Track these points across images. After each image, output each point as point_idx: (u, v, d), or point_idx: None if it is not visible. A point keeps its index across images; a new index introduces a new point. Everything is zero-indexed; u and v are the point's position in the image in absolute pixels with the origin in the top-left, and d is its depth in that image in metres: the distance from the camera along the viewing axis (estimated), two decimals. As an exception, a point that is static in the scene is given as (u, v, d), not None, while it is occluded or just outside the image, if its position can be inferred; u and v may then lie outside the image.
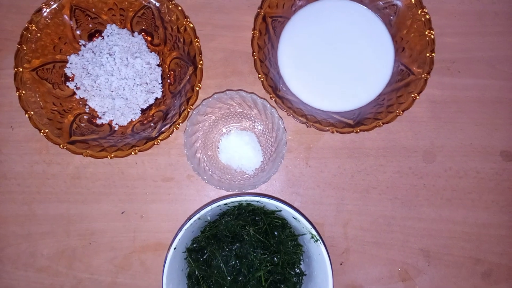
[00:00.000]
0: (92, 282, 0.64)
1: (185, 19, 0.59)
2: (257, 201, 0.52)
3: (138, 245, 0.64)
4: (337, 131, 0.57)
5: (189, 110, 0.58)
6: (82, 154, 0.56)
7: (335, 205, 0.65)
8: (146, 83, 0.63)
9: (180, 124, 0.57)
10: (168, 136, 0.57)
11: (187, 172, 0.65)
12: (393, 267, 0.64)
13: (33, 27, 0.58)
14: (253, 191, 0.61)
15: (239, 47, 0.67)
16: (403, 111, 0.58)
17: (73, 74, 0.63)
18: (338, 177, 0.65)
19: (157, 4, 0.60)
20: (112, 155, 0.57)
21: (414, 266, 0.64)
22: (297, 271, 0.58)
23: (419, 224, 0.65)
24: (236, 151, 0.63)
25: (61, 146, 0.57)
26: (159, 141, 0.57)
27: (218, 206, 0.52)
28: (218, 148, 0.64)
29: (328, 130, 0.57)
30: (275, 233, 0.56)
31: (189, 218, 0.52)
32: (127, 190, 0.64)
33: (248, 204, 0.55)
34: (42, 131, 0.57)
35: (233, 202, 0.53)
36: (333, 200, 0.65)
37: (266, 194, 0.64)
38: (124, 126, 0.63)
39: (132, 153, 0.57)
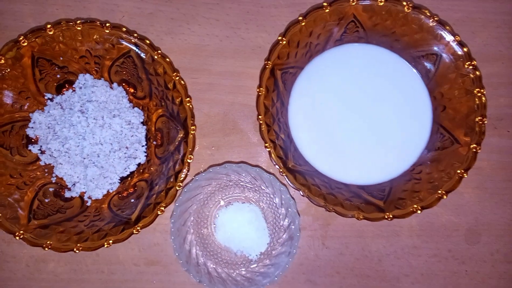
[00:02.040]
0: None
1: (174, 74, 0.47)
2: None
3: None
4: (364, 218, 0.45)
5: (177, 188, 0.46)
6: (41, 246, 0.45)
7: (358, 296, 0.53)
8: (126, 147, 0.51)
9: (167, 206, 0.46)
10: (151, 222, 0.46)
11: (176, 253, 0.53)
12: None
13: (-16, 82, 0.46)
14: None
15: (240, 98, 0.55)
16: (447, 192, 0.46)
17: (36, 136, 0.51)
18: (362, 262, 0.53)
19: (140, 53, 0.48)
20: (80, 247, 0.45)
21: None
22: None
23: (461, 321, 0.53)
24: (237, 231, 0.51)
25: (15, 236, 0.45)
26: (139, 228, 0.45)
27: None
28: (215, 225, 0.53)
29: (352, 216, 0.45)
30: None
31: None
32: (103, 277, 0.53)
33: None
34: (-7, 217, 0.45)
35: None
36: (355, 289, 0.53)
37: None
38: (99, 200, 0.51)
39: (105, 244, 0.45)
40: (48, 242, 0.45)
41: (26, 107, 0.50)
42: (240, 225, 0.51)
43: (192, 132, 0.46)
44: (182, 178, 0.46)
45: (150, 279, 0.53)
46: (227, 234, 0.52)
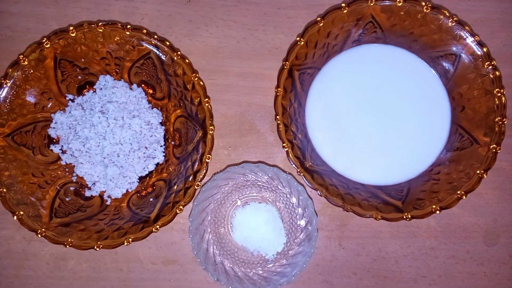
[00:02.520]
0: None
1: (194, 75, 0.48)
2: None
3: None
4: (382, 218, 0.45)
5: (196, 187, 0.46)
6: (63, 244, 0.46)
7: (375, 297, 0.53)
8: (146, 147, 0.52)
9: (185, 205, 0.46)
10: (169, 221, 0.46)
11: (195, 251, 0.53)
12: None
13: (8, 83, 0.47)
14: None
15: (257, 99, 0.55)
16: (466, 192, 0.45)
17: (58, 136, 0.52)
18: (379, 263, 0.53)
19: (160, 54, 0.49)
20: (101, 245, 0.46)
21: None
22: None
23: (480, 323, 0.52)
24: (254, 231, 0.51)
25: (38, 234, 0.46)
26: (158, 227, 0.46)
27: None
28: (231, 224, 0.53)
29: (371, 216, 0.45)
30: None
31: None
32: (121, 275, 0.53)
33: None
34: (16, 213, 0.46)
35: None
36: (372, 290, 0.53)
37: None
38: (118, 198, 0.52)
39: (125, 243, 0.46)
40: (69, 240, 0.46)
41: (48, 108, 0.51)
42: (257, 225, 0.52)
43: (210, 132, 0.47)
44: (200, 178, 0.47)
45: (168, 278, 0.53)
46: (244, 234, 0.52)
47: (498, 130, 0.46)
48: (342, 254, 0.53)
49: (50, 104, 0.51)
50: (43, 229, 0.46)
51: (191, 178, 0.47)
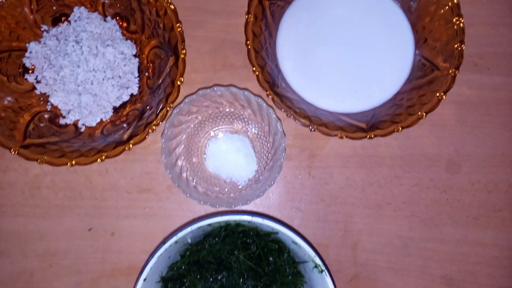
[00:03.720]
0: (52, 312, 0.54)
1: (165, 1, 0.49)
2: (249, 221, 0.42)
3: (107, 268, 0.54)
4: (346, 136, 0.47)
5: (168, 108, 0.48)
6: (37, 160, 0.46)
7: (343, 223, 0.55)
8: (119, 77, 0.53)
9: (157, 125, 0.47)
10: (142, 139, 0.47)
11: (167, 182, 0.55)
12: (410, 297, 0.54)
13: (-18, 8, 0.48)
14: (244, 207, 0.51)
15: (230, 36, 0.57)
16: (426, 113, 0.48)
17: (33, 65, 0.53)
18: (346, 190, 0.55)
19: (133, -18, 0.50)
20: (74, 162, 0.47)
21: (435, 296, 0.54)
22: (297, 305, 0.48)
23: (441, 247, 0.55)
24: (226, 159, 0.53)
25: (11, 151, 0.47)
26: (131, 145, 0.47)
27: (200, 227, 0.42)
28: (205, 154, 0.54)
29: (336, 135, 0.47)
30: (270, 259, 0.46)
31: (164, 242, 0.42)
32: (96, 203, 0.54)
33: (238, 224, 0.45)
34: (-11, 132, 0.47)
35: (219, 222, 0.43)
36: (340, 217, 0.55)
37: (259, 213, 0.54)
38: (93, 127, 0.53)
39: (98, 160, 0.47)
40: (43, 157, 0.47)
41: (22, 37, 0.52)
42: (229, 153, 0.53)
43: (182, 55, 0.48)
44: (172, 100, 0.48)
45: (143, 206, 0.54)
46: (217, 163, 0.54)
47: (457, 54, 0.48)
48: (311, 183, 0.55)
49: (25, 34, 0.52)
50: (17, 147, 0.47)
51: (163, 101, 0.49)
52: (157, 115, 0.48)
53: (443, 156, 0.55)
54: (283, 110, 0.48)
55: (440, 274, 0.55)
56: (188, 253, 0.46)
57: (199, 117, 0.54)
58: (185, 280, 0.45)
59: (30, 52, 0.52)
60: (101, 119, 0.53)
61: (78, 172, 0.54)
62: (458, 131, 0.56)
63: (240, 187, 0.53)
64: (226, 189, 0.53)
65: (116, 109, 0.54)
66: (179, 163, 0.52)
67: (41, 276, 0.54)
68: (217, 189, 0.52)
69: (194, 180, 0.52)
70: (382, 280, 0.54)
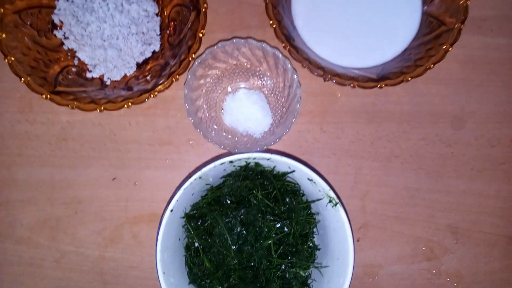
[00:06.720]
0: (78, 255, 0.56)
1: (188, -43, 0.52)
2: (268, 159, 0.45)
3: (130, 215, 0.57)
4: (358, 86, 0.50)
5: (190, 59, 0.51)
6: (68, 105, 0.49)
7: (353, 175, 0.58)
8: (143, 33, 0.56)
9: (180, 74, 0.50)
10: (167, 87, 0.50)
11: (187, 136, 0.58)
12: (416, 245, 0.57)
13: (16, -37, 0.51)
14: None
15: (247, -2, 0.60)
16: (434, 64, 0.51)
17: (61, 22, 0.56)
18: (356, 144, 0.58)
19: None
20: (102, 107, 0.50)
21: (440, 244, 0.57)
22: (310, 244, 0.51)
23: (447, 198, 0.58)
24: (243, 113, 0.56)
25: (44, 96, 0.50)
26: (156, 93, 0.50)
27: (223, 164, 0.45)
28: (223, 109, 0.57)
29: (349, 85, 0.50)
30: (286, 199, 0.49)
31: (189, 177, 0.45)
32: (120, 155, 0.57)
33: (256, 165, 0.48)
34: (23, 79, 0.50)
35: (240, 160, 0.46)
36: (350, 169, 0.58)
37: (278, 150, 0.57)
38: (117, 81, 0.56)
39: (125, 105, 0.50)
40: (74, 102, 0.50)
41: (52, -5, 0.55)
42: (246, 107, 0.56)
43: (203, 9, 0.51)
44: (194, 51, 0.51)
45: (163, 158, 0.57)
46: (234, 117, 0.56)
47: (462, 9, 0.51)
48: (322, 137, 0.58)
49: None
50: (48, 93, 0.50)
51: (185, 52, 0.51)
52: (180, 65, 0.51)
53: (448, 112, 0.58)
54: (298, 61, 0.50)
55: (445, 223, 0.57)
56: (209, 193, 0.49)
57: (218, 73, 0.57)
58: (206, 218, 0.48)
59: (59, 9, 0.55)
60: (125, 74, 0.56)
61: (103, 125, 0.57)
62: (463, 89, 0.59)
63: (256, 139, 0.56)
64: (243, 141, 0.56)
65: (139, 65, 0.57)
66: (199, 114, 0.55)
67: (67, 222, 0.57)
68: (236, 139, 0.55)
69: (213, 131, 0.55)
70: (390, 228, 0.57)
